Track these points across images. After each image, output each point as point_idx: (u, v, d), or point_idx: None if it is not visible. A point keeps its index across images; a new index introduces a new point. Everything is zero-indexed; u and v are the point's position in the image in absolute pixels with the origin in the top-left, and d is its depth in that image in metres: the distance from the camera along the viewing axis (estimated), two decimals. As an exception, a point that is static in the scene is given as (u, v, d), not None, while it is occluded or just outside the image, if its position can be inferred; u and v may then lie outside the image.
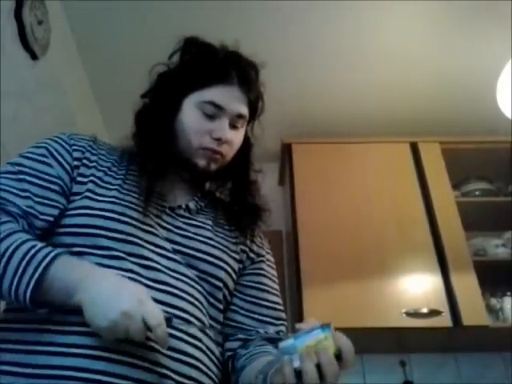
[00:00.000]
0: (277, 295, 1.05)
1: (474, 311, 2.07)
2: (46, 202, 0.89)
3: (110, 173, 0.96)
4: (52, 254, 0.78)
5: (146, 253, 0.88)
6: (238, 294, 1.01)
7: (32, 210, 0.87)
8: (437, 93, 2.54)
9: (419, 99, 2.58)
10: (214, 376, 0.90)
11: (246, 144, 1.09)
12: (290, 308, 2.25)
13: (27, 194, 0.88)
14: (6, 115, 1.57)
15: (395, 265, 2.19)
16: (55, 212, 0.89)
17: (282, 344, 0.73)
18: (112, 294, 0.75)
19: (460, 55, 2.37)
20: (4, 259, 0.77)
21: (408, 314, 2.06)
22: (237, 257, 1.01)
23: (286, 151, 2.57)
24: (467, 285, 2.14)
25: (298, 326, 0.75)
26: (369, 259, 2.19)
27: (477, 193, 2.55)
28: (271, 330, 1.00)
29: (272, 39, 2.23)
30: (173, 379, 0.81)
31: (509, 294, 2.28)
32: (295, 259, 2.22)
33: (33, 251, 0.77)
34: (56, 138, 0.98)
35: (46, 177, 0.91)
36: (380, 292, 2.12)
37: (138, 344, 0.78)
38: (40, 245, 0.79)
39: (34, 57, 1.78)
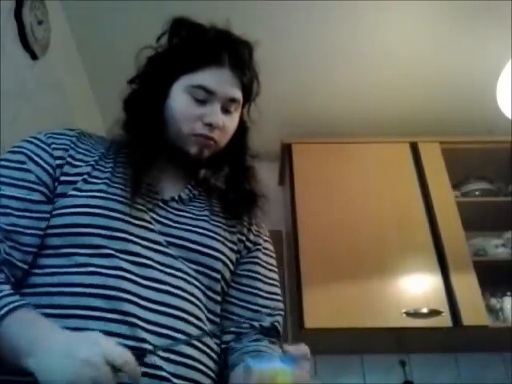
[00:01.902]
0: (272, 284, 1.02)
1: (473, 311, 2.07)
2: (30, 214, 0.85)
3: (97, 167, 0.92)
4: (7, 308, 0.72)
5: (138, 249, 0.86)
6: (234, 284, 0.99)
7: (15, 228, 0.83)
8: (437, 93, 2.54)
9: (419, 99, 2.58)
10: (213, 374, 0.88)
11: (242, 128, 1.04)
12: (290, 308, 2.25)
13: (8, 210, 0.83)
14: (6, 115, 1.57)
15: (395, 265, 2.19)
16: (42, 225, 0.85)
17: (246, 361, 0.72)
18: (64, 347, 0.69)
19: (460, 55, 2.37)
20: None
21: (408, 314, 2.06)
22: (234, 247, 0.99)
23: (286, 151, 2.57)
24: (467, 285, 2.14)
25: (286, 347, 0.73)
26: (369, 259, 2.19)
27: (477, 193, 2.55)
28: (268, 320, 0.97)
29: (272, 39, 2.23)
30: (172, 382, 0.79)
31: (509, 293, 2.28)
32: (295, 259, 2.22)
33: None
34: (32, 139, 0.93)
35: (27, 184, 0.87)
36: (380, 292, 2.12)
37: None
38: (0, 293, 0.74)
39: (33, 57, 1.78)
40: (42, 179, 0.88)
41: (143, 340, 0.78)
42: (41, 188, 0.87)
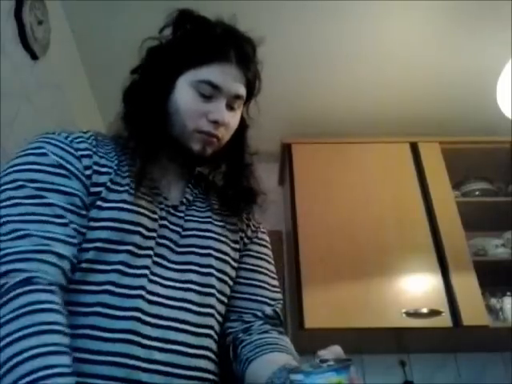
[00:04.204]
0: (268, 275, 1.02)
1: (473, 311, 2.07)
2: (79, 229, 0.81)
3: (118, 172, 0.89)
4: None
5: (157, 269, 0.86)
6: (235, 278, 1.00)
7: (75, 240, 0.79)
8: (437, 93, 2.54)
9: (419, 99, 2.57)
10: (213, 377, 0.88)
11: (242, 125, 1.03)
12: (290, 308, 2.24)
13: (65, 220, 0.79)
14: (6, 115, 1.57)
15: (395, 265, 2.19)
16: (81, 239, 0.82)
17: (292, 377, 0.68)
18: None
19: (460, 55, 2.37)
20: (8, 364, 0.64)
21: (408, 314, 2.06)
22: (236, 246, 1.00)
23: (286, 151, 2.57)
24: (467, 285, 2.14)
25: (319, 352, 0.70)
26: (369, 259, 2.19)
27: (477, 193, 2.55)
28: (267, 309, 0.97)
29: (273, 39, 2.23)
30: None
31: (509, 293, 2.28)
32: (295, 259, 2.22)
33: (39, 374, 0.63)
34: (55, 142, 0.86)
35: (71, 190, 0.82)
36: (380, 292, 2.12)
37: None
38: (54, 361, 0.65)
39: (33, 57, 1.78)
40: (77, 188, 0.84)
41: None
42: (82, 197, 0.83)
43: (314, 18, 2.19)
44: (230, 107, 0.95)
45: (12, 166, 0.82)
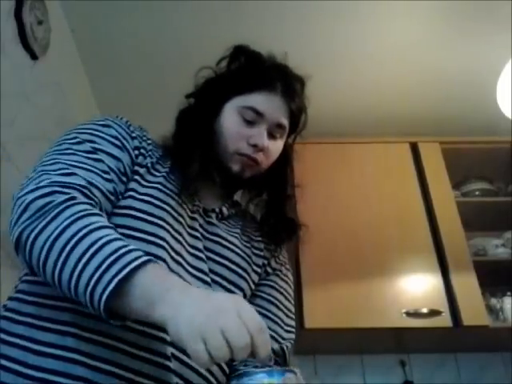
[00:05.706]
0: (284, 312, 1.02)
1: (474, 311, 2.07)
2: (117, 190, 0.86)
3: (159, 161, 0.95)
4: (143, 259, 0.67)
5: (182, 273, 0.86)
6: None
7: (112, 197, 0.85)
8: (437, 93, 2.54)
9: (419, 99, 2.57)
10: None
11: (285, 157, 1.08)
12: (290, 308, 2.24)
13: (109, 176, 0.84)
14: (6, 115, 1.57)
15: (395, 265, 2.18)
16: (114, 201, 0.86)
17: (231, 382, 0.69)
18: (199, 295, 0.65)
19: (460, 55, 2.37)
20: (89, 252, 0.67)
21: (408, 314, 2.06)
22: (258, 270, 1.01)
23: (286, 151, 2.56)
24: (467, 285, 2.13)
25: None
26: (369, 259, 2.19)
27: (477, 193, 2.55)
28: (274, 345, 0.96)
29: (275, 39, 2.23)
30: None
31: (509, 293, 2.28)
32: (295, 259, 2.22)
33: (123, 250, 0.68)
34: (117, 121, 0.94)
35: (120, 157, 0.88)
36: (380, 292, 2.12)
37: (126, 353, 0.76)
38: (131, 246, 0.70)
39: (33, 57, 1.78)
40: (126, 159, 0.90)
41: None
42: (126, 167, 0.89)
43: (316, 19, 2.19)
44: (272, 135, 1.01)
45: (75, 129, 0.91)
